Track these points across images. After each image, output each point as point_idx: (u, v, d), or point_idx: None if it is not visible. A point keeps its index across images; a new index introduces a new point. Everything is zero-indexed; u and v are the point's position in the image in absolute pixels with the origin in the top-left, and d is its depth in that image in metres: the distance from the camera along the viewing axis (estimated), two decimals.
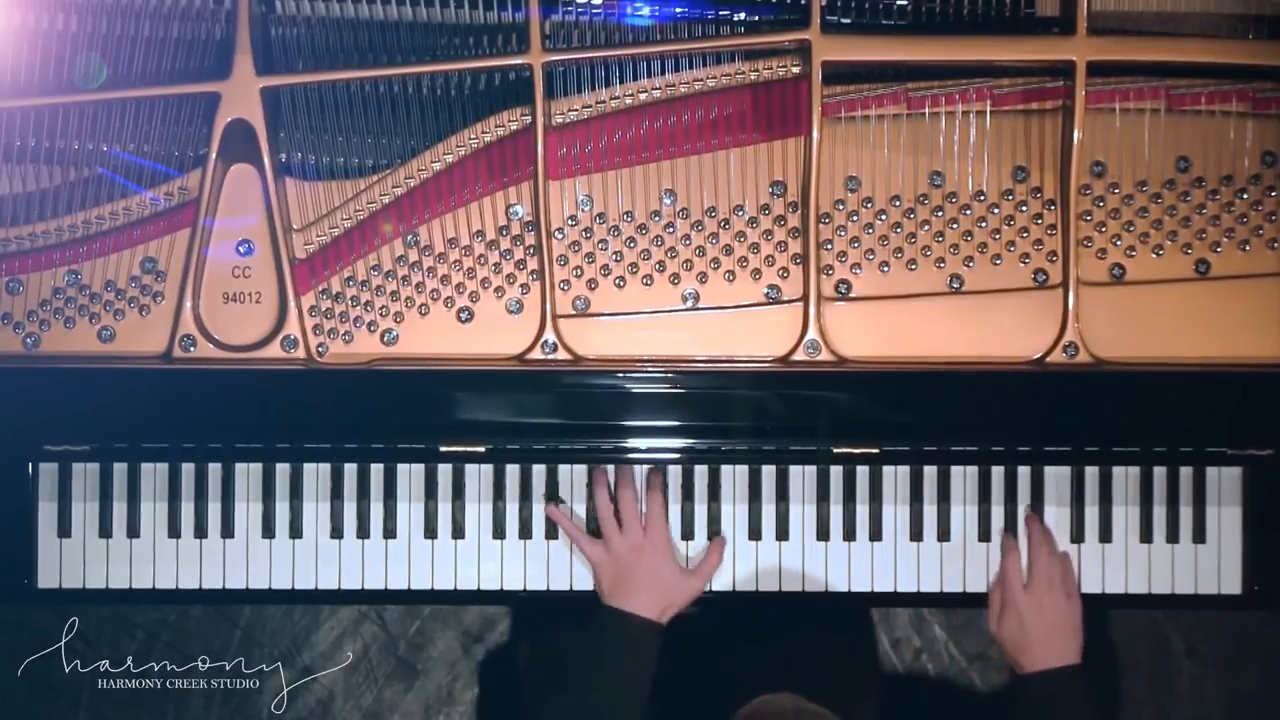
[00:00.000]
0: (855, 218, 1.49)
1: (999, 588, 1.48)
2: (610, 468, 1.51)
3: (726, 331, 1.49)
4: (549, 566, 1.52)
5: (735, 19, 1.48)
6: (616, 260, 1.49)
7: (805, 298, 1.47)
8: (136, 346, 1.48)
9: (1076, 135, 1.44)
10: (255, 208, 1.47)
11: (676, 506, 1.52)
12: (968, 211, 1.49)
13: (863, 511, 1.53)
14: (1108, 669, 1.48)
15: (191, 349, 1.47)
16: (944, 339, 1.49)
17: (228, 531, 1.52)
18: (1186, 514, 1.53)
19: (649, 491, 1.49)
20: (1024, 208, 1.49)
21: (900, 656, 2.09)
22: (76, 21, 1.47)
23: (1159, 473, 1.53)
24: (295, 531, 1.52)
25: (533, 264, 1.49)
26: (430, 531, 1.52)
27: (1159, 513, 1.53)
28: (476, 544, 1.52)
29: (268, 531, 1.52)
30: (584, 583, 1.52)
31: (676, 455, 1.51)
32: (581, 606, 1.50)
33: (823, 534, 1.52)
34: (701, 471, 1.52)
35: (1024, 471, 1.53)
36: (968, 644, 2.09)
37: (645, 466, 1.51)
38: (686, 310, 1.50)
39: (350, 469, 1.52)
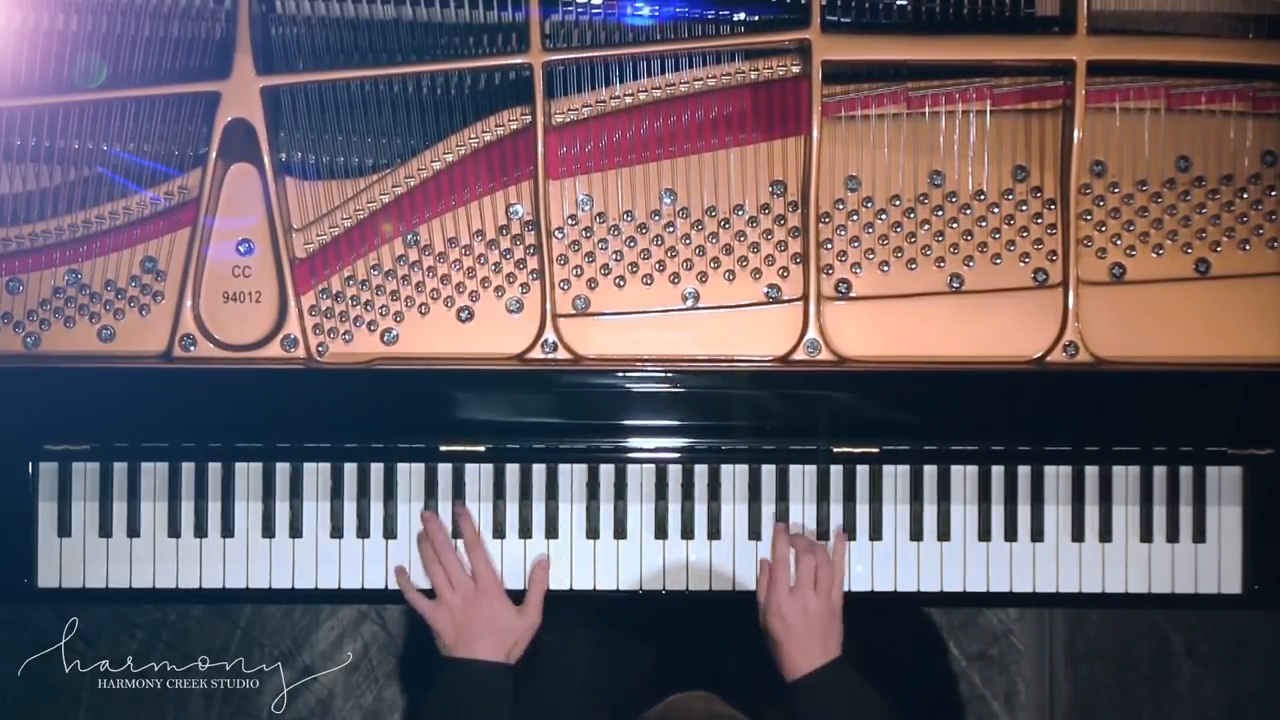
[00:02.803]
0: (855, 217, 1.49)
1: (763, 589, 1.48)
2: (432, 516, 1.49)
3: (726, 331, 1.49)
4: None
5: (735, 19, 1.48)
6: (616, 260, 1.49)
7: (805, 297, 1.48)
8: (136, 346, 1.48)
9: (1076, 135, 1.44)
10: (255, 207, 1.48)
11: (676, 506, 1.52)
12: (968, 211, 1.49)
13: (863, 511, 1.53)
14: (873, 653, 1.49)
15: (191, 348, 1.47)
16: (944, 339, 1.49)
17: (228, 531, 1.52)
18: (1186, 514, 1.53)
19: (467, 540, 1.48)
20: (1024, 207, 1.49)
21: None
22: (76, 21, 1.47)
23: (1159, 472, 1.53)
24: (295, 531, 1.52)
25: (533, 263, 1.49)
26: None
27: (1159, 512, 1.53)
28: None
29: (268, 531, 1.52)
30: (582, 581, 1.51)
31: (676, 455, 1.51)
32: (581, 605, 1.50)
33: (823, 534, 1.52)
34: (701, 471, 1.52)
35: (1024, 471, 1.53)
36: (967, 644, 2.09)
37: (458, 509, 1.50)
38: (686, 310, 1.50)
39: (350, 469, 1.52)
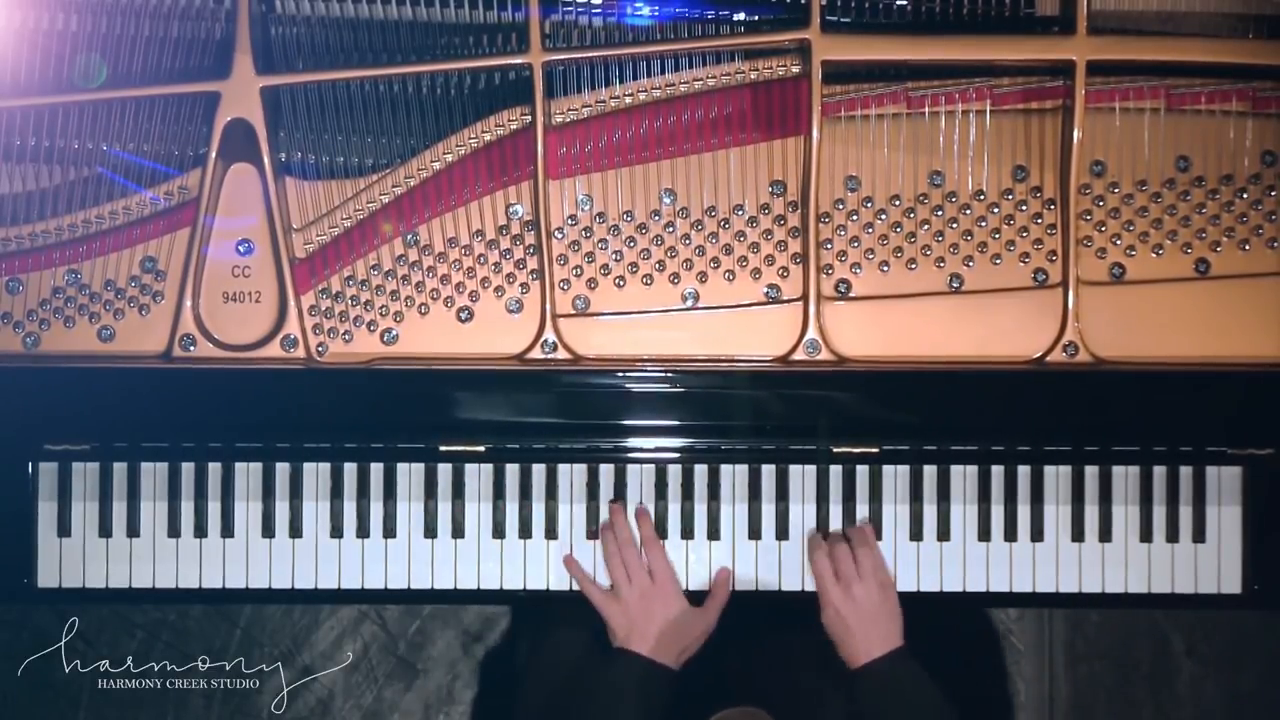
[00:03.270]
0: (855, 217, 1.49)
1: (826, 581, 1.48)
2: (619, 509, 1.50)
3: (726, 331, 1.49)
4: (549, 566, 1.52)
5: (735, 18, 1.48)
6: (616, 259, 1.49)
7: (805, 297, 1.48)
8: (136, 346, 1.48)
9: (1076, 135, 1.44)
10: (255, 207, 1.48)
11: (676, 506, 1.52)
12: (967, 211, 1.49)
13: (862, 511, 1.53)
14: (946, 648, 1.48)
15: (191, 348, 1.47)
16: (944, 338, 1.49)
17: (228, 531, 1.52)
18: (1186, 513, 1.53)
19: (645, 538, 1.49)
20: (1024, 207, 1.49)
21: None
22: (76, 21, 1.47)
23: (1159, 472, 1.53)
24: (295, 531, 1.52)
25: (532, 263, 1.49)
26: (430, 531, 1.52)
27: (1159, 512, 1.53)
28: (476, 543, 1.52)
29: (268, 531, 1.52)
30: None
31: (676, 454, 1.51)
32: (580, 606, 1.50)
33: (823, 534, 1.52)
34: (701, 471, 1.52)
35: (1024, 471, 1.53)
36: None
37: (638, 508, 1.51)
38: (686, 310, 1.50)
39: (350, 468, 1.52)
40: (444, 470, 1.52)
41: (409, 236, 1.48)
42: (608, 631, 1.47)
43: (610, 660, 1.44)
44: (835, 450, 1.51)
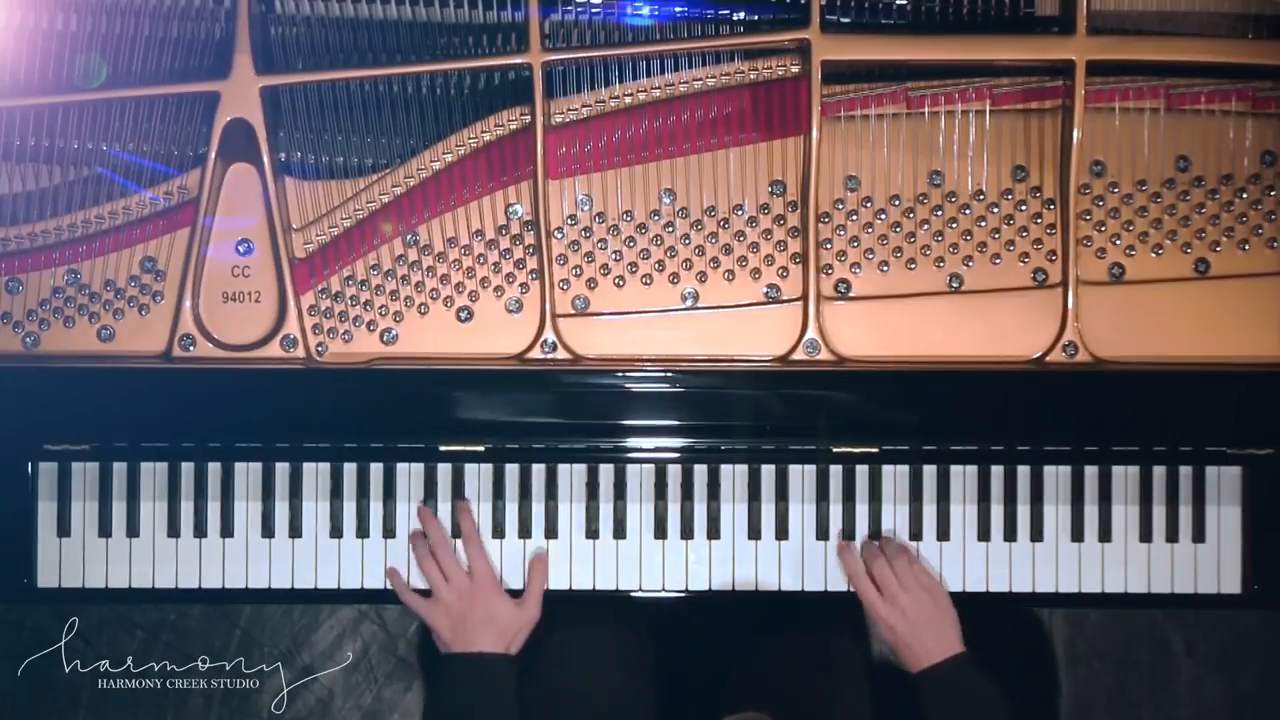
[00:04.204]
0: (855, 217, 1.49)
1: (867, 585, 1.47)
2: (427, 512, 1.50)
3: (726, 331, 1.49)
4: (547, 566, 1.52)
5: (735, 18, 1.48)
6: (616, 259, 1.49)
7: (805, 297, 1.48)
8: (136, 346, 1.48)
9: (1076, 134, 1.44)
10: (255, 207, 1.48)
11: (676, 506, 1.52)
12: (967, 211, 1.49)
13: (862, 511, 1.53)
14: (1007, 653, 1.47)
15: (191, 348, 1.47)
16: (943, 338, 1.49)
17: (227, 531, 1.52)
18: (1186, 513, 1.53)
19: (465, 534, 1.48)
20: (1023, 207, 1.49)
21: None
22: (76, 21, 1.47)
23: (1158, 472, 1.53)
24: (295, 531, 1.52)
25: (532, 263, 1.49)
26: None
27: (1159, 512, 1.53)
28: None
29: (267, 531, 1.52)
30: (582, 581, 1.51)
31: (676, 455, 1.51)
32: (580, 605, 1.50)
33: (822, 534, 1.52)
34: (701, 471, 1.52)
35: (1023, 471, 1.53)
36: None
37: (458, 504, 1.51)
38: (686, 310, 1.50)
39: (350, 468, 1.52)
40: (444, 470, 1.52)
41: (409, 236, 1.48)
42: (434, 638, 1.45)
43: (445, 670, 1.43)
44: (835, 450, 1.51)
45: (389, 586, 1.51)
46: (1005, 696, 1.39)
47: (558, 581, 1.52)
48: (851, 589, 1.47)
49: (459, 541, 1.49)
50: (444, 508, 1.52)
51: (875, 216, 1.49)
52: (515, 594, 1.49)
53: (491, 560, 1.49)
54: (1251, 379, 1.48)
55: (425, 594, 1.47)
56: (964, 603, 1.47)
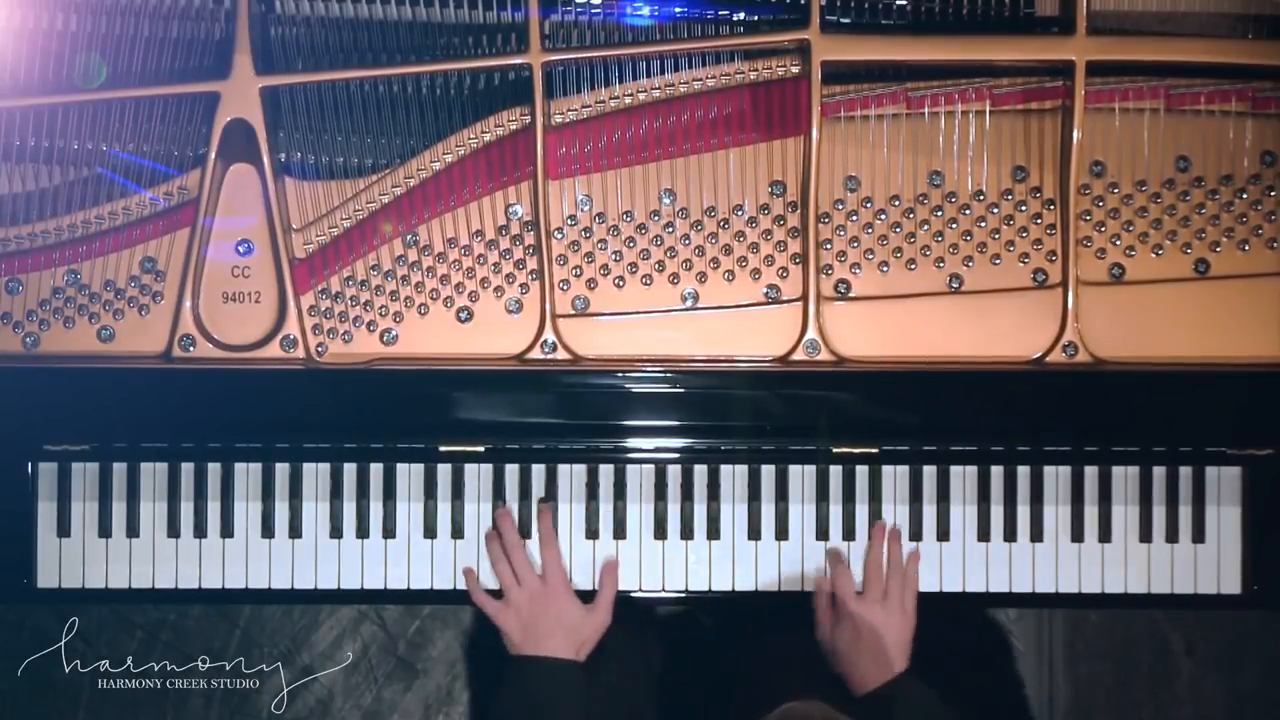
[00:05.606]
0: (855, 217, 1.49)
1: (825, 596, 1.48)
2: (505, 514, 1.50)
3: (726, 331, 1.49)
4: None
5: (735, 19, 1.48)
6: (616, 260, 1.49)
7: (805, 297, 1.48)
8: (136, 346, 1.48)
9: (1076, 135, 1.44)
10: (255, 207, 1.48)
11: (676, 506, 1.52)
12: (967, 211, 1.49)
13: (862, 511, 1.53)
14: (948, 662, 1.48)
15: (191, 349, 1.47)
16: (943, 339, 1.49)
17: (227, 531, 1.52)
18: (1186, 514, 1.53)
19: (543, 535, 1.48)
20: (1023, 207, 1.49)
21: None
22: (76, 21, 1.47)
23: (1158, 472, 1.53)
24: (295, 531, 1.52)
25: (532, 264, 1.49)
26: (430, 531, 1.52)
27: (1158, 513, 1.53)
28: (476, 543, 1.52)
29: (267, 531, 1.52)
30: (582, 582, 1.51)
31: (676, 455, 1.51)
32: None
33: (822, 534, 1.52)
34: (701, 471, 1.52)
35: (1023, 471, 1.53)
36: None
37: (540, 505, 1.51)
38: (686, 310, 1.50)
39: (350, 469, 1.52)
40: (443, 470, 1.52)
41: (408, 237, 1.48)
42: (505, 641, 1.45)
43: (513, 671, 1.42)
44: (835, 450, 1.51)
45: (391, 585, 1.51)
46: (954, 712, 1.38)
47: None
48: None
49: (530, 543, 1.49)
50: (444, 508, 1.52)
51: (875, 217, 1.49)
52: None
53: (565, 564, 1.49)
54: (1251, 379, 1.48)
55: (497, 594, 1.47)
56: (964, 603, 1.47)
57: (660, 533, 1.52)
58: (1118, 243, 1.50)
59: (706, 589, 1.52)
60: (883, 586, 1.45)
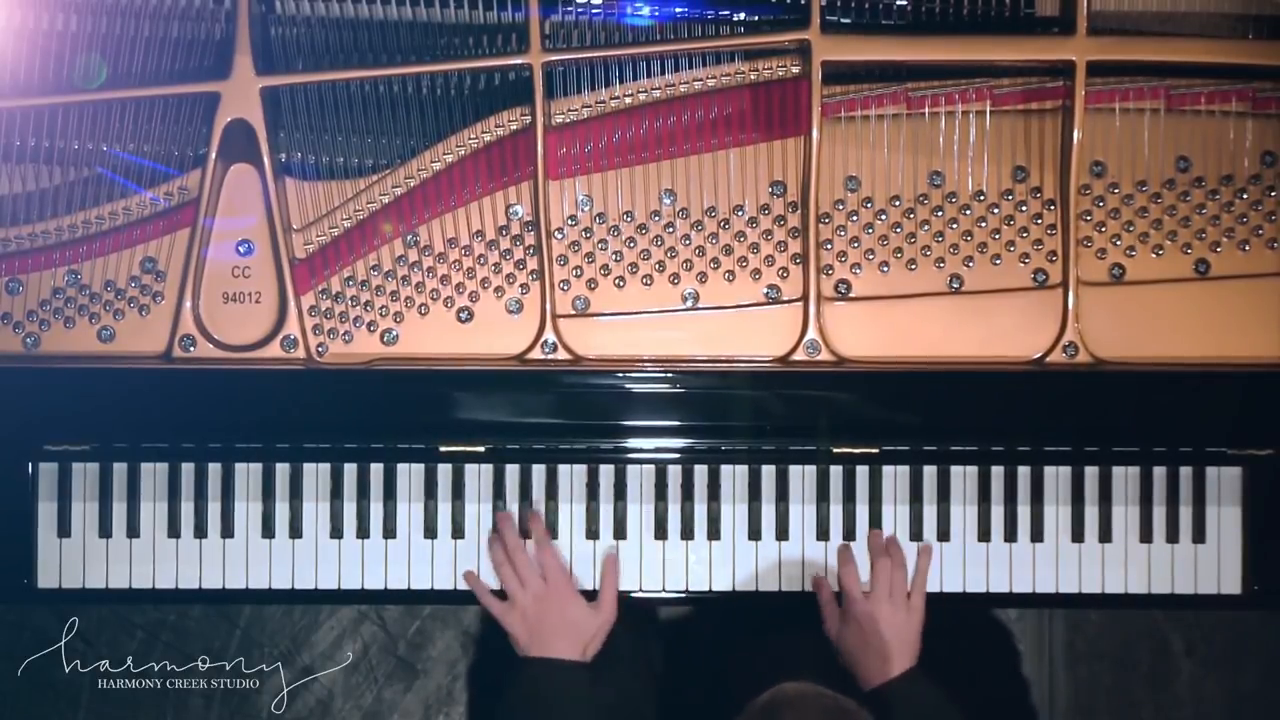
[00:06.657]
0: (855, 218, 1.49)
1: (828, 593, 1.49)
2: (506, 516, 1.50)
3: (726, 331, 1.49)
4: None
5: (735, 19, 1.48)
6: (616, 260, 1.49)
7: (805, 297, 1.48)
8: (136, 346, 1.48)
9: (1076, 135, 1.44)
10: (255, 208, 1.48)
11: (676, 506, 1.52)
12: (967, 211, 1.49)
13: (862, 511, 1.53)
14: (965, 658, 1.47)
15: (191, 349, 1.47)
16: (944, 339, 1.49)
17: (227, 531, 1.52)
18: (1186, 514, 1.53)
19: (537, 539, 1.48)
20: (1024, 207, 1.49)
21: None
22: (76, 21, 1.47)
23: (1159, 473, 1.53)
24: (295, 531, 1.52)
25: (532, 264, 1.49)
26: (430, 531, 1.52)
27: (1159, 513, 1.53)
28: (476, 544, 1.52)
29: (267, 531, 1.52)
30: (582, 582, 1.51)
31: (676, 455, 1.51)
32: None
33: (822, 534, 1.52)
34: (701, 471, 1.52)
35: (1024, 471, 1.53)
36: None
37: (529, 510, 1.51)
38: (686, 310, 1.50)
39: (350, 469, 1.52)
40: (444, 471, 1.52)
41: (409, 237, 1.48)
42: (511, 642, 1.45)
43: (520, 673, 1.42)
44: (835, 451, 1.51)
45: (391, 586, 1.51)
46: (959, 708, 1.38)
47: None
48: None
49: (530, 544, 1.49)
50: (444, 508, 1.52)
51: (875, 217, 1.49)
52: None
53: (565, 564, 1.49)
54: (1251, 379, 1.48)
55: (501, 595, 1.47)
56: (965, 603, 1.47)
57: (661, 533, 1.52)
58: (1118, 243, 1.50)
59: (707, 589, 1.52)
60: (889, 584, 1.45)
